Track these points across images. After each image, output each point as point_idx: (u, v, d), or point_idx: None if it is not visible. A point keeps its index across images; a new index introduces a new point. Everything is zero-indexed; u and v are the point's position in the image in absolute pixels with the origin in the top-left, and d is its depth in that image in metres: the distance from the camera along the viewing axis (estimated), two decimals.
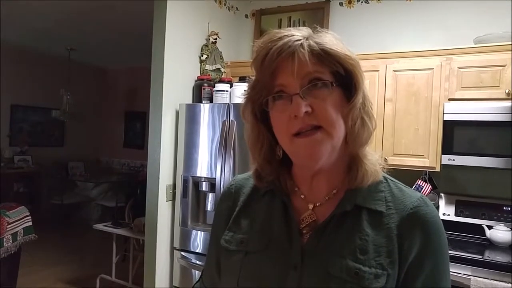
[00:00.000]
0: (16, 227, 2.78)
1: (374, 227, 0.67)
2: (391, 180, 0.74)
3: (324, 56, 0.65)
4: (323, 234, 0.69)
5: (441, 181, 2.50)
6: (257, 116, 0.73)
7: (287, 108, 0.65)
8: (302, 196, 0.74)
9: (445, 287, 0.67)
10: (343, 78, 0.66)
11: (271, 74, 0.66)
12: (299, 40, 0.65)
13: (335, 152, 0.68)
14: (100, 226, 3.48)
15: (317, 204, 0.72)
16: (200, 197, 2.60)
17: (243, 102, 0.74)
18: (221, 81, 2.69)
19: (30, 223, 2.89)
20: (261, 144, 0.74)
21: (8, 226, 2.70)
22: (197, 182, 2.55)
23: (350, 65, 0.66)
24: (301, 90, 0.64)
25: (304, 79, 0.65)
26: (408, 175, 2.16)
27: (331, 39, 0.67)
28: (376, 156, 0.72)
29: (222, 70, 2.87)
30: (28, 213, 2.91)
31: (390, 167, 0.74)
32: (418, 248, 0.65)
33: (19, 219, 2.83)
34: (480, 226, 2.30)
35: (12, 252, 2.73)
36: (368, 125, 0.68)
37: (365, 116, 0.68)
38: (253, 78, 0.71)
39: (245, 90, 0.74)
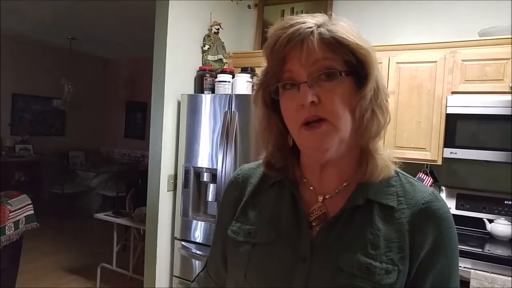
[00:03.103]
0: (18, 215, 2.79)
1: (385, 222, 0.66)
2: (402, 174, 0.73)
3: (335, 45, 0.63)
4: (334, 227, 0.68)
5: (443, 174, 2.49)
6: (268, 103, 0.72)
7: (295, 96, 0.64)
8: (311, 188, 0.73)
9: (455, 284, 0.67)
10: (355, 67, 0.65)
11: (280, 62, 0.65)
12: (310, 27, 0.63)
13: (343, 144, 0.67)
14: (100, 216, 3.49)
15: (327, 197, 0.71)
16: (201, 188, 2.61)
17: (255, 89, 0.73)
18: (223, 71, 2.68)
19: (32, 212, 2.90)
20: (271, 132, 0.73)
21: (10, 214, 2.71)
22: (198, 172, 2.55)
23: (361, 55, 0.64)
24: (308, 79, 0.63)
25: (313, 68, 0.64)
26: (409, 168, 2.15)
27: (344, 27, 0.65)
28: (388, 151, 0.71)
29: (224, 60, 2.85)
30: (30, 202, 2.92)
31: (398, 161, 0.73)
32: (430, 243, 0.65)
33: (21, 208, 2.84)
34: (480, 219, 2.30)
35: (14, 240, 2.74)
36: (379, 118, 0.66)
37: (376, 109, 0.66)
38: (265, 65, 0.70)
39: (256, 77, 0.73)
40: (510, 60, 2.09)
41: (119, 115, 7.12)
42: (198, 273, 0.90)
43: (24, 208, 2.85)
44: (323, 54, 0.63)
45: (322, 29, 0.64)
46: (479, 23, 2.36)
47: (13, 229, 2.73)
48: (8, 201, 2.74)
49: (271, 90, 0.69)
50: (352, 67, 0.65)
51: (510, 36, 2.11)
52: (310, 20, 0.65)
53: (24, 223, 2.82)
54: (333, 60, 0.64)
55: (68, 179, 6.21)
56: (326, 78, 0.64)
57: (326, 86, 0.64)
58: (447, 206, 0.69)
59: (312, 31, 0.63)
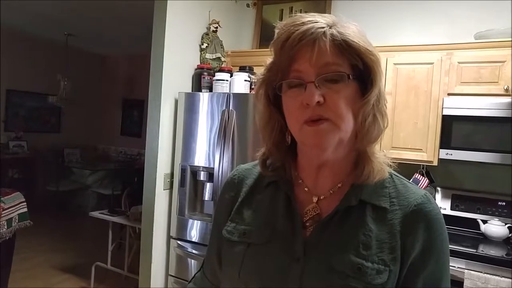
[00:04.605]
0: (11, 213, 2.77)
1: (377, 223, 0.67)
2: (396, 175, 0.74)
3: (345, 47, 0.64)
4: (327, 228, 0.68)
5: (438, 175, 2.51)
6: (270, 98, 0.72)
7: (300, 95, 0.64)
8: (306, 189, 0.74)
9: (446, 285, 0.68)
10: (361, 72, 0.66)
11: (289, 59, 0.65)
12: (322, 27, 0.63)
13: (342, 146, 0.67)
14: (96, 214, 3.46)
15: (321, 197, 0.72)
16: (197, 187, 2.60)
17: (258, 83, 0.73)
18: (221, 70, 2.68)
19: (26, 209, 2.87)
20: (271, 127, 0.73)
21: (3, 212, 2.68)
22: (195, 171, 2.55)
23: (369, 60, 0.65)
24: (316, 79, 0.63)
25: (321, 69, 0.64)
26: (405, 169, 2.17)
27: (354, 31, 0.65)
28: (384, 154, 0.72)
29: (223, 59, 2.85)
30: (23, 199, 2.89)
31: (393, 162, 0.73)
32: (421, 245, 0.66)
33: (14, 205, 2.81)
34: (475, 220, 2.32)
35: (7, 238, 2.72)
36: (380, 123, 0.67)
37: (377, 114, 0.67)
38: (271, 60, 0.70)
39: (255, 76, 0.73)
40: (508, 62, 2.11)
41: (115, 113, 7.08)
42: (195, 274, 0.90)
43: (17, 206, 2.82)
44: (333, 55, 0.63)
45: (333, 31, 0.64)
46: (476, 25, 2.38)
47: (5, 227, 2.70)
48: (1, 198, 2.72)
49: (275, 86, 0.69)
50: (358, 71, 0.65)
51: (506, 39, 2.12)
52: (321, 20, 0.65)
53: (17, 221, 2.80)
54: (342, 63, 0.64)
55: (63, 176, 6.17)
56: (333, 80, 0.64)
57: (333, 88, 0.64)
58: (439, 208, 0.70)
59: (324, 32, 0.63)
